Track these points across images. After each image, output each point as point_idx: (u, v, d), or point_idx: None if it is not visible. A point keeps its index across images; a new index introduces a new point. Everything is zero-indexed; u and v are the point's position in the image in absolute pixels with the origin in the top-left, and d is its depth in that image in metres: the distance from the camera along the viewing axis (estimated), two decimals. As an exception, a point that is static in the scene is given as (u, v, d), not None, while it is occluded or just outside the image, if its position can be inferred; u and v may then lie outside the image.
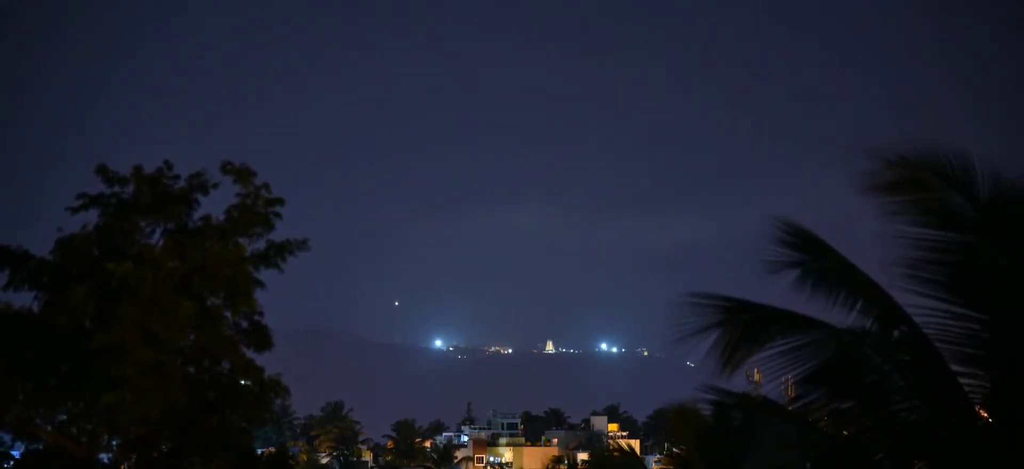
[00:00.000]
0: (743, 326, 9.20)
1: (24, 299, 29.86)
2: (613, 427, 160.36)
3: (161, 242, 30.21)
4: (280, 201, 31.31)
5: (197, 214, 31.12)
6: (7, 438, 33.01)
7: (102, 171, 30.76)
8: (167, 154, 31.70)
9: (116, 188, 30.57)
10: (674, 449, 26.82)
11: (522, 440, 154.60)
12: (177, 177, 31.11)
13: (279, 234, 31.33)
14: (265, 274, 31.17)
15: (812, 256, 9.31)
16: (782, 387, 9.81)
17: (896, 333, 9.26)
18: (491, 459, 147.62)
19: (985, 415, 9.08)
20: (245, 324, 31.18)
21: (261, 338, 31.30)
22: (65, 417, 31.15)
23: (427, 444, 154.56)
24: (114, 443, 32.38)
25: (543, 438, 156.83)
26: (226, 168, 31.20)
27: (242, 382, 31.47)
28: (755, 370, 10.08)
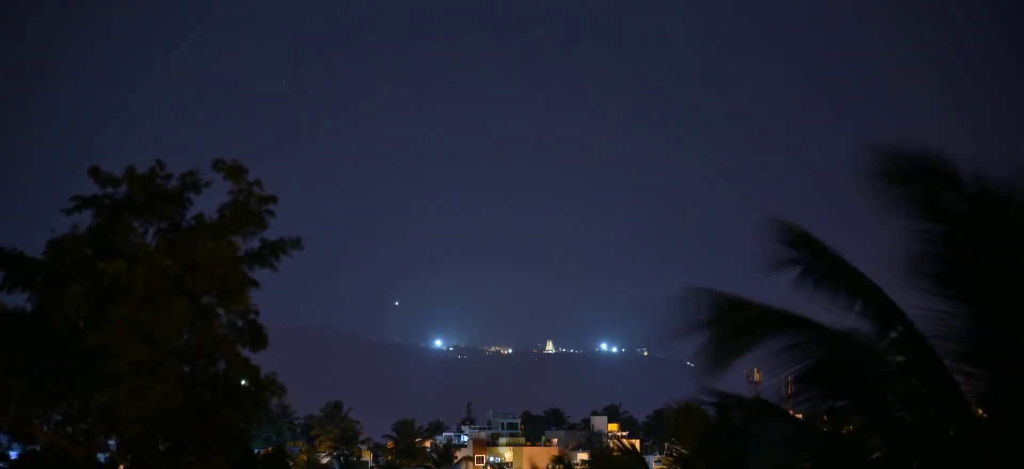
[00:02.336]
0: (734, 326, 9.18)
1: (18, 301, 29.82)
2: (613, 427, 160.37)
3: (154, 241, 30.13)
4: (273, 199, 31.19)
5: (190, 213, 31.04)
6: (4, 439, 32.96)
7: (95, 172, 30.67)
8: (169, 154, 31.64)
9: (109, 189, 30.49)
10: (676, 449, 26.78)
11: (522, 440, 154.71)
12: (170, 176, 31.02)
13: (274, 232, 31.24)
14: (265, 273, 31.10)
15: (811, 256, 9.28)
16: (781, 386, 9.78)
17: (893, 333, 9.23)
18: (491, 459, 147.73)
19: (982, 414, 9.05)
20: (240, 323, 31.08)
21: (256, 337, 31.19)
22: (61, 417, 31.09)
23: (427, 444, 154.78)
24: (111, 443, 32.31)
25: (543, 438, 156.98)
26: (218, 166, 31.04)
27: (240, 382, 31.40)
28: (755, 370, 10.03)
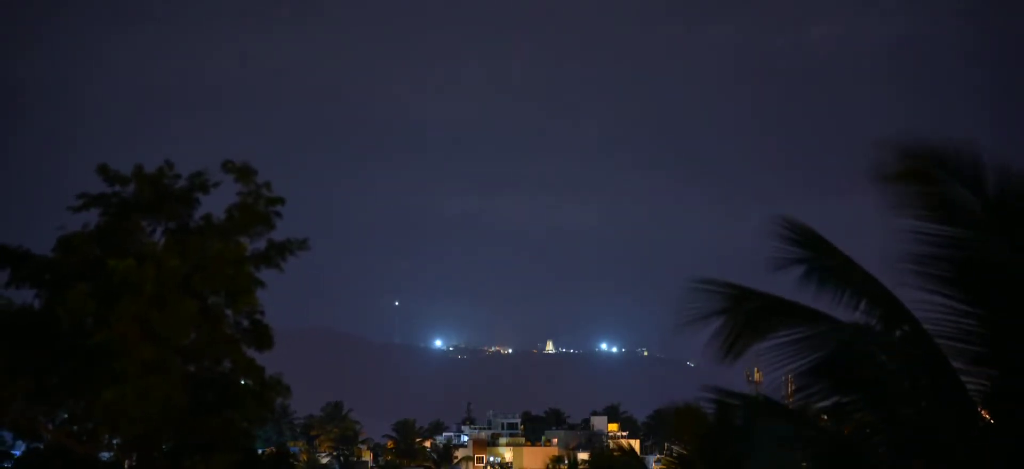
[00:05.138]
0: (747, 315, 9.21)
1: (25, 297, 29.93)
2: (613, 427, 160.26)
3: (162, 241, 30.27)
4: (281, 200, 31.38)
5: (198, 213, 31.18)
6: (8, 437, 33.07)
7: (103, 170, 30.83)
8: (170, 153, 31.77)
9: (117, 187, 30.63)
10: (675, 449, 26.88)
11: (522, 440, 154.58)
12: (178, 176, 31.15)
13: (279, 233, 31.40)
14: (266, 274, 31.23)
15: (816, 254, 9.32)
16: (781, 382, 9.82)
17: (899, 331, 9.27)
18: (491, 459, 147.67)
19: (986, 414, 9.10)
20: (246, 323, 31.22)
21: (262, 337, 31.33)
22: (66, 415, 31.19)
23: (427, 444, 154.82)
24: (115, 442, 32.43)
25: (543, 438, 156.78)
26: (227, 167, 31.26)
27: (243, 382, 31.50)
28: (755, 370, 10.13)
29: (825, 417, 9.80)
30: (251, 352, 31.32)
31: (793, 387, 9.53)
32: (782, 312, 9.24)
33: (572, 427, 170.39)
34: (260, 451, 44.37)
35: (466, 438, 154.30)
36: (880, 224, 8.76)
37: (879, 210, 8.70)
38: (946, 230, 8.72)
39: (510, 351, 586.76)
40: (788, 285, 9.30)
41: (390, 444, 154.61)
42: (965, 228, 8.68)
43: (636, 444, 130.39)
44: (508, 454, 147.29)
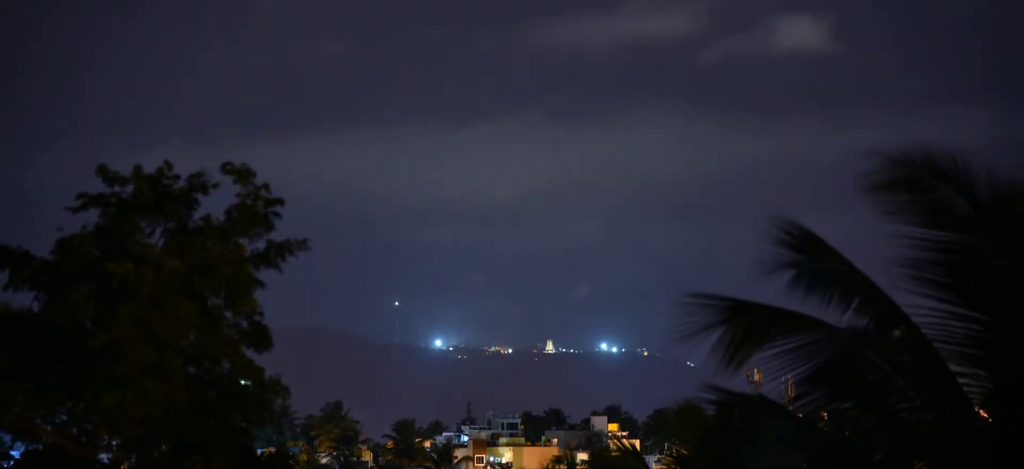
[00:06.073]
0: (745, 325, 9.26)
1: (24, 300, 29.94)
2: (613, 427, 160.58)
3: (161, 242, 30.29)
4: (280, 201, 31.40)
5: (197, 214, 31.20)
6: (7, 438, 33.14)
7: (102, 171, 30.84)
8: (167, 154, 31.83)
9: (116, 188, 30.65)
10: (676, 449, 26.93)
11: (522, 440, 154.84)
12: (177, 177, 31.15)
13: (279, 234, 31.43)
14: (265, 274, 31.26)
15: (809, 257, 9.34)
16: (782, 387, 9.86)
17: (896, 333, 9.30)
18: (491, 459, 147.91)
19: (985, 415, 9.12)
20: (245, 324, 31.22)
21: (261, 338, 31.34)
22: (65, 417, 31.23)
23: (427, 444, 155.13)
24: (114, 443, 32.47)
25: (543, 438, 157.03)
26: (226, 168, 31.31)
27: (242, 382, 31.54)
28: (755, 370, 10.15)
29: (825, 416, 9.85)
30: (250, 353, 31.36)
31: (794, 393, 9.57)
32: (779, 321, 9.29)
33: (572, 427, 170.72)
34: (259, 451, 44.36)
35: (466, 438, 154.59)
36: (876, 229, 8.81)
37: (874, 215, 8.75)
38: (939, 235, 8.77)
39: (510, 351, 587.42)
40: (783, 289, 9.32)
41: (390, 444, 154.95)
42: (958, 232, 8.73)
43: (636, 444, 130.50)
44: (508, 454, 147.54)
